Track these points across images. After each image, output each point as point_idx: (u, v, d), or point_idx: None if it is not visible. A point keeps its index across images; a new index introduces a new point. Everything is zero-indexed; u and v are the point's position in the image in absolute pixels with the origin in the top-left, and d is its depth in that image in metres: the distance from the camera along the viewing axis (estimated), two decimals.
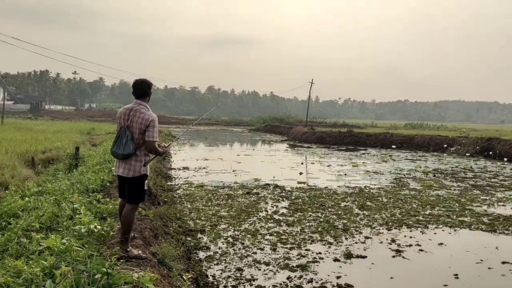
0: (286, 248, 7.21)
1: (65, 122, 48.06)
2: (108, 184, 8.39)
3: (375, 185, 14.26)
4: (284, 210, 10.01)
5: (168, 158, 20.49)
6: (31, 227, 4.96)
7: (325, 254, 6.99)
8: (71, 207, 5.64)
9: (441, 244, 7.75)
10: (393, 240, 7.84)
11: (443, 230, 8.69)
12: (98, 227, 4.69)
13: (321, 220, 9.15)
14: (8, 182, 10.13)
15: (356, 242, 7.67)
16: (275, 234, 8.01)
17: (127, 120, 4.41)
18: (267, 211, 9.92)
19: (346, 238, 7.89)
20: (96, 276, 3.10)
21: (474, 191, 13.46)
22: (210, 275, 5.93)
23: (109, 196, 7.25)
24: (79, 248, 3.86)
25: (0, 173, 10.81)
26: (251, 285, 5.69)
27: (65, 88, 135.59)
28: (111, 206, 6.09)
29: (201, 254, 6.77)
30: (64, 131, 27.14)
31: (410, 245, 7.59)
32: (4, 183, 10.12)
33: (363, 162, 21.61)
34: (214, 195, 11.64)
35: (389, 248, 7.40)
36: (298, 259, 6.71)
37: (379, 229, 8.62)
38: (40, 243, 4.13)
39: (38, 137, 20.38)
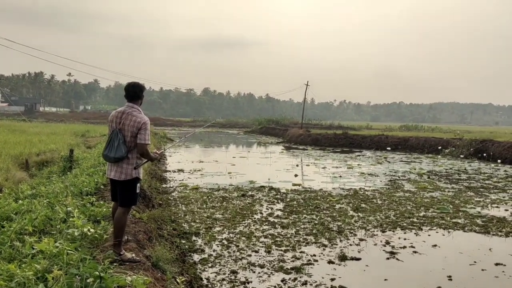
0: (281, 250, 7.21)
1: (59, 124, 47.82)
2: (102, 186, 8.36)
3: (370, 187, 14.30)
4: (279, 213, 10.02)
5: (163, 160, 20.44)
6: (24, 230, 4.93)
7: (319, 256, 7.00)
8: (65, 210, 5.63)
9: (435, 245, 7.78)
10: (387, 242, 7.87)
11: (437, 232, 8.73)
12: (92, 230, 4.69)
13: (316, 222, 9.16)
14: (1, 185, 10.06)
15: (350, 244, 7.69)
16: (269, 236, 8.01)
17: (119, 123, 4.41)
18: (262, 213, 9.92)
19: (340, 240, 7.90)
20: (88, 280, 3.10)
21: (468, 192, 13.53)
22: (205, 278, 5.92)
23: (103, 199, 7.23)
24: (72, 252, 3.85)
25: None
26: (245, 287, 5.69)
27: (59, 90, 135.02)
28: (105, 209, 6.08)
29: (196, 257, 6.76)
30: (58, 133, 27.00)
31: (404, 247, 7.62)
32: None
33: (358, 164, 21.67)
34: (209, 197, 11.63)
35: (383, 250, 7.42)
36: (293, 261, 6.71)
37: (374, 231, 8.64)
38: (33, 247, 4.12)
39: (33, 140, 20.26)
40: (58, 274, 3.09)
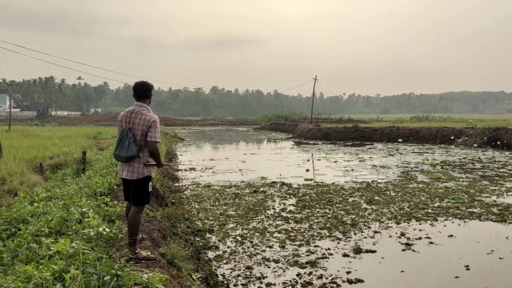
0: (295, 245, 7.20)
1: (71, 127, 48.31)
2: (115, 187, 8.42)
3: (382, 179, 14.20)
4: (292, 207, 10.00)
5: (174, 159, 20.54)
6: (41, 232, 4.99)
7: (334, 249, 6.97)
8: (80, 211, 5.67)
9: (451, 236, 7.70)
10: (402, 234, 7.81)
11: (452, 222, 8.64)
12: (107, 230, 4.72)
13: (329, 216, 9.12)
14: (17, 188, 10.21)
15: (365, 237, 7.64)
16: (283, 231, 8.00)
17: (128, 123, 4.42)
18: (274, 209, 9.91)
19: (355, 233, 7.86)
20: (105, 278, 3.12)
21: (483, 181, 13.36)
22: (220, 274, 5.94)
23: (117, 199, 7.28)
24: (88, 251, 3.88)
25: (9, 180, 10.89)
26: (261, 283, 5.69)
27: (70, 94, 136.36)
28: (119, 209, 6.12)
29: (210, 254, 6.78)
30: (71, 137, 27.32)
31: (420, 238, 7.55)
32: (13, 190, 10.20)
33: (369, 157, 21.53)
34: (222, 194, 11.65)
35: (399, 242, 7.37)
36: (307, 255, 6.69)
37: (388, 223, 8.58)
38: (50, 248, 4.16)
39: (46, 143, 20.54)
40: (75, 273, 3.12)
